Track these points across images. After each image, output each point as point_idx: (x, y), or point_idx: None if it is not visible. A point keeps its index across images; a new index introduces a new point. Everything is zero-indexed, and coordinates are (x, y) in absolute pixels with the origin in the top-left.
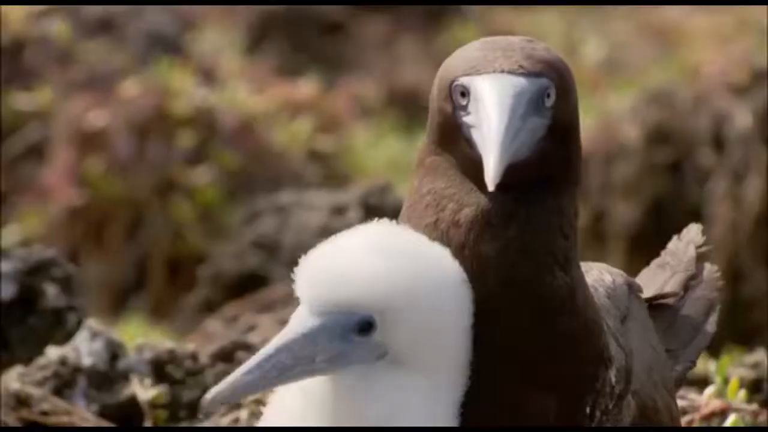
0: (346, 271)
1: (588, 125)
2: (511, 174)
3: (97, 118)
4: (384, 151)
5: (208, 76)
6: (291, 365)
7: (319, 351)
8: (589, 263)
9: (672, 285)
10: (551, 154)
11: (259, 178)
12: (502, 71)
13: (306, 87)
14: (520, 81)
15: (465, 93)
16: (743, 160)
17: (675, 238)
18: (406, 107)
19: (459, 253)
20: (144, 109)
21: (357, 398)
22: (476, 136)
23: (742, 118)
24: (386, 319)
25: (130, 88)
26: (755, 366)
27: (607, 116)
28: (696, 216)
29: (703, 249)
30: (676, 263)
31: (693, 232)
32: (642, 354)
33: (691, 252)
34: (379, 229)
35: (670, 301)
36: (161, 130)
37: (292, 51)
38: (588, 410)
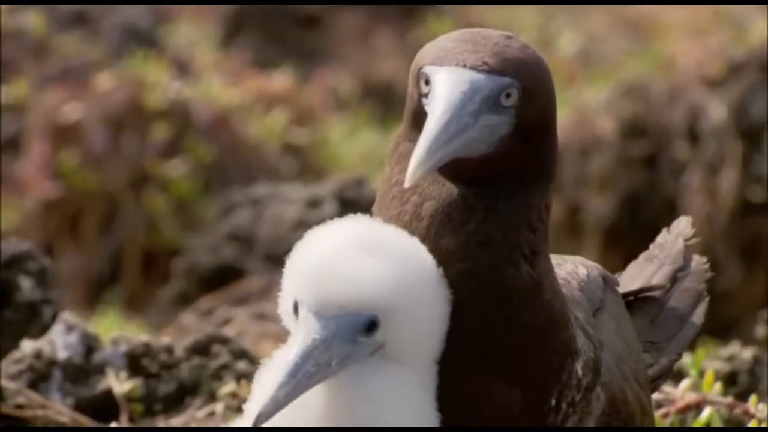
0: (350, 275)
1: (563, 118)
2: (472, 168)
3: (72, 111)
4: (359, 144)
5: (183, 69)
6: (314, 372)
7: (334, 355)
8: (564, 256)
9: (659, 278)
10: (518, 152)
11: (234, 170)
12: (464, 65)
13: (281, 80)
14: (478, 78)
15: (428, 82)
16: (718, 153)
17: (664, 230)
18: (382, 100)
19: None
20: (119, 102)
21: (351, 394)
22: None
23: (717, 111)
24: (388, 317)
25: (105, 81)
26: (730, 359)
27: (582, 109)
28: (671, 209)
29: (692, 241)
30: (664, 256)
31: (682, 224)
32: (613, 346)
33: (680, 244)
34: (361, 225)
35: (656, 293)
36: (136, 123)
37: (267, 44)
38: (554, 402)
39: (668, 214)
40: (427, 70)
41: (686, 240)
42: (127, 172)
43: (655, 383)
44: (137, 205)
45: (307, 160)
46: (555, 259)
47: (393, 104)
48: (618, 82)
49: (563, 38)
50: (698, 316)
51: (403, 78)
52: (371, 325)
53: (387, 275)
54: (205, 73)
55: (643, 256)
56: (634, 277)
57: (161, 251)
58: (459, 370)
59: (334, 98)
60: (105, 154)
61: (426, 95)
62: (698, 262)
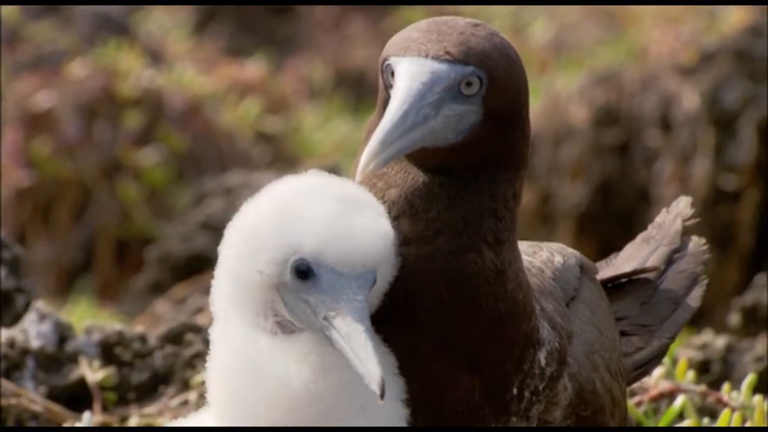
0: (364, 231)
1: (536, 106)
2: (441, 157)
3: (45, 99)
4: (332, 132)
5: (156, 57)
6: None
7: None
8: (542, 244)
9: (654, 259)
10: (487, 140)
11: (207, 159)
12: (426, 56)
13: (254, 68)
14: (440, 67)
15: (393, 73)
16: (691, 141)
17: (664, 210)
18: (355, 88)
19: None
20: (91, 90)
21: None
22: None
23: (690, 100)
24: (380, 270)
25: (78, 69)
26: (703, 347)
27: (554, 97)
28: (643, 197)
29: (691, 222)
30: (661, 237)
31: (682, 204)
32: (585, 336)
33: (678, 225)
34: (322, 178)
35: (650, 275)
36: (109, 111)
37: (239, 32)
38: (515, 390)
39: (641, 201)
40: (392, 61)
41: (685, 220)
42: (99, 161)
43: (646, 367)
44: (110, 194)
45: (281, 148)
46: (532, 246)
47: (366, 92)
48: (591, 71)
49: (536, 26)
50: (694, 299)
51: (376, 66)
52: (374, 282)
53: (384, 232)
54: (177, 61)
55: (641, 236)
56: (629, 258)
57: (134, 240)
58: (422, 356)
59: (307, 86)
60: (78, 142)
61: (391, 86)
62: (696, 243)
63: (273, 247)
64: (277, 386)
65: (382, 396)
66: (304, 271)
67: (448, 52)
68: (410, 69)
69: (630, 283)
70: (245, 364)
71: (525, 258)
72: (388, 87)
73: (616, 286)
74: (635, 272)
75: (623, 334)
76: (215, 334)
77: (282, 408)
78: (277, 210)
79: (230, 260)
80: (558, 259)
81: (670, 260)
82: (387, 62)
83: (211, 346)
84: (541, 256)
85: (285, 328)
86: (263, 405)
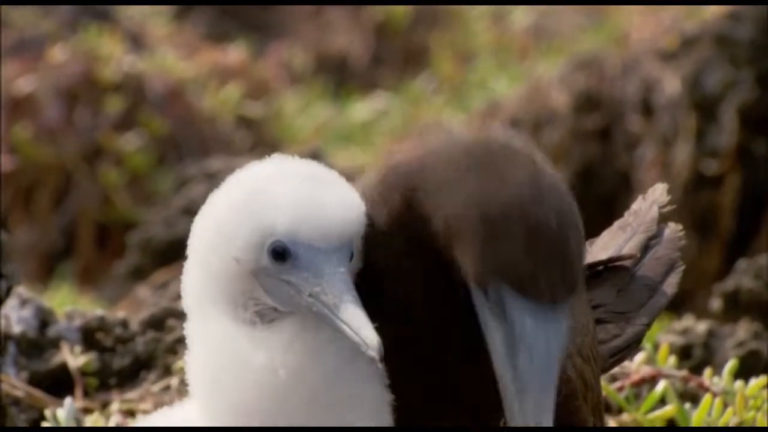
0: (340, 207)
1: (517, 92)
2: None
3: (26, 84)
4: (313, 118)
5: (137, 42)
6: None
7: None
8: None
9: (631, 246)
10: None
11: (189, 144)
12: (554, 301)
13: (235, 53)
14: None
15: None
16: (672, 126)
17: (640, 197)
18: (336, 74)
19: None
20: (72, 74)
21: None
22: None
23: (671, 85)
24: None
25: (59, 54)
26: (685, 332)
27: (535, 83)
28: (625, 182)
29: (668, 209)
30: (637, 224)
31: (658, 191)
32: None
33: (654, 212)
34: (289, 162)
35: (626, 263)
36: (90, 96)
37: (220, 17)
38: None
39: (622, 187)
40: (501, 293)
41: (661, 207)
42: (81, 145)
43: (622, 354)
44: (91, 179)
45: (262, 133)
46: None
47: (347, 78)
48: (572, 56)
49: (517, 12)
50: (670, 285)
51: (356, 51)
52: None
53: (359, 204)
54: (159, 46)
55: (617, 223)
56: (605, 246)
57: (115, 225)
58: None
59: (288, 72)
60: (59, 127)
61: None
62: (673, 230)
63: (246, 233)
64: (262, 376)
65: (382, 360)
66: (281, 252)
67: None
68: (540, 327)
69: (606, 271)
70: (228, 357)
71: None
72: (483, 306)
73: (592, 274)
74: (611, 260)
75: (599, 321)
76: (191, 329)
77: (269, 397)
78: (246, 195)
79: (202, 252)
80: None
81: (646, 247)
82: (490, 287)
83: (188, 342)
84: None
85: (264, 317)
86: (249, 396)
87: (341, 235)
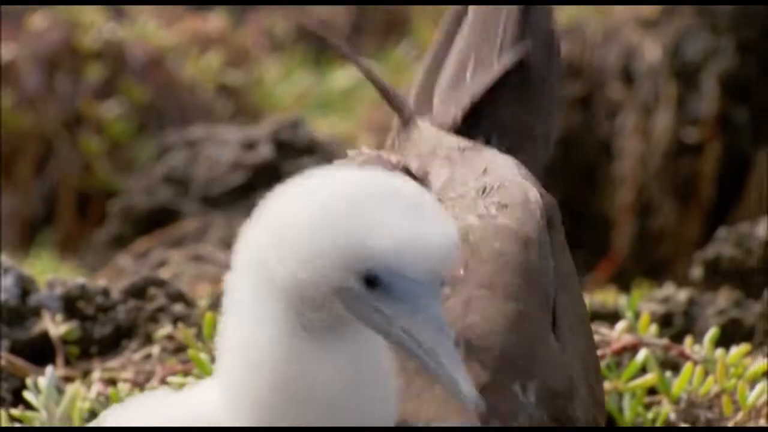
0: (446, 242)
1: None
2: None
3: (6, 51)
4: (294, 86)
5: (117, 10)
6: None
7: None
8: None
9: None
10: None
11: (169, 112)
12: None
13: (215, 21)
14: None
15: None
16: (653, 94)
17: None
18: (317, 42)
19: None
20: (53, 42)
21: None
22: None
23: (652, 52)
24: None
25: (39, 21)
26: (665, 300)
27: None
28: (605, 150)
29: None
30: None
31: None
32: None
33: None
34: (393, 180)
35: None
36: (70, 63)
37: None
38: None
39: (602, 155)
40: None
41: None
42: (61, 113)
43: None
44: (72, 146)
45: (243, 101)
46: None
47: (327, 46)
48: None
49: None
50: (555, 64)
51: (337, 20)
52: None
53: (455, 232)
54: (139, 14)
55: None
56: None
57: (96, 193)
58: None
59: (268, 39)
60: (39, 94)
61: None
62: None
63: (336, 254)
64: (314, 391)
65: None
66: (372, 280)
67: None
68: None
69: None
70: (274, 365)
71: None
72: None
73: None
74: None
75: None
76: (232, 324)
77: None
78: (344, 212)
79: (266, 255)
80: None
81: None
82: None
83: (225, 330)
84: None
85: (312, 328)
86: (294, 410)
87: (439, 269)
